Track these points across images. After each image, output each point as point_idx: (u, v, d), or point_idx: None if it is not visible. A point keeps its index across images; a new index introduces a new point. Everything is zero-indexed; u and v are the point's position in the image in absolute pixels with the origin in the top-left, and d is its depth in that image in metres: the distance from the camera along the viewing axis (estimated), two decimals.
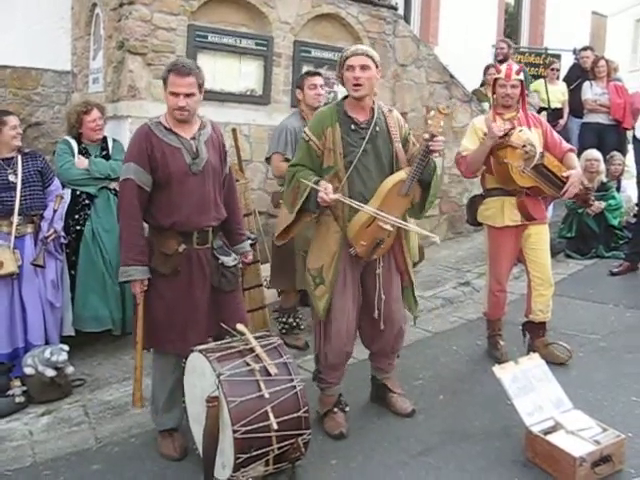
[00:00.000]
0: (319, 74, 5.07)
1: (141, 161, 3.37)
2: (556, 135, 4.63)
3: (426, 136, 3.40)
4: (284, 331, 5.12)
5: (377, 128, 3.56)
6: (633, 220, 7.64)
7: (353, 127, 3.54)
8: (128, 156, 3.46)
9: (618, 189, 7.89)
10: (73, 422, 4.01)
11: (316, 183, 3.40)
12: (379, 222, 3.43)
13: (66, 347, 4.33)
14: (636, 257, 6.60)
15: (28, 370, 4.19)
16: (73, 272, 4.81)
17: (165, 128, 3.44)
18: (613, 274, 6.59)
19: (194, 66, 3.45)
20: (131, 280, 3.36)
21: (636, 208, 8.27)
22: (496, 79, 4.47)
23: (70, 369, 4.32)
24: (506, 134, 4.29)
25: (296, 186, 3.50)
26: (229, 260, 3.64)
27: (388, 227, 3.45)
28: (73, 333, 4.75)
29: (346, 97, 3.65)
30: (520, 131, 4.30)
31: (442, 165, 7.34)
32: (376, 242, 3.50)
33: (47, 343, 4.43)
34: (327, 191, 3.33)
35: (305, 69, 5.84)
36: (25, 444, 3.78)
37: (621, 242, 7.24)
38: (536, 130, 4.49)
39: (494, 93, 4.54)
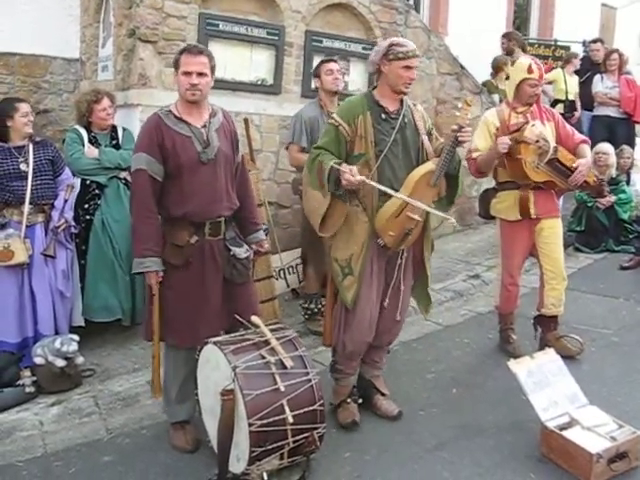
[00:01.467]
0: (334, 60, 5.05)
1: (152, 151, 3.33)
2: (568, 127, 4.58)
3: (455, 127, 3.43)
4: (307, 317, 5.17)
5: (406, 119, 3.59)
6: None
7: (384, 116, 3.54)
8: (139, 146, 3.42)
9: (628, 182, 7.84)
10: (83, 413, 3.99)
11: (338, 165, 3.38)
12: (408, 212, 3.42)
13: (76, 337, 4.31)
14: None
15: (38, 360, 4.17)
16: (83, 262, 4.78)
17: (175, 117, 3.40)
18: (623, 268, 6.55)
19: (206, 49, 3.44)
20: (147, 271, 3.33)
21: None
22: (526, 78, 4.31)
23: (80, 359, 4.30)
24: (518, 129, 4.25)
25: (319, 168, 3.46)
26: (241, 252, 3.60)
27: (417, 217, 3.44)
28: (83, 323, 4.74)
29: (375, 87, 3.66)
30: (532, 125, 4.25)
31: None
32: (405, 232, 3.48)
33: (57, 333, 4.41)
34: (352, 172, 3.31)
35: (316, 59, 5.78)
36: (35, 434, 3.77)
37: (631, 236, 7.18)
38: (549, 123, 4.45)
39: (517, 90, 4.40)
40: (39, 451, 3.61)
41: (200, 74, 3.33)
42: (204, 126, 3.43)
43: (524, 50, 8.70)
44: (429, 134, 3.71)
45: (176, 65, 3.37)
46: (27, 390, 4.11)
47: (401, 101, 3.63)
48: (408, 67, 3.49)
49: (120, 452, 3.57)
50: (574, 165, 4.30)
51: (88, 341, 4.68)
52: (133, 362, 4.63)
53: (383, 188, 3.39)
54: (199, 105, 3.43)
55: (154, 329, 3.40)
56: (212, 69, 3.41)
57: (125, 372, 4.50)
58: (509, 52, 8.44)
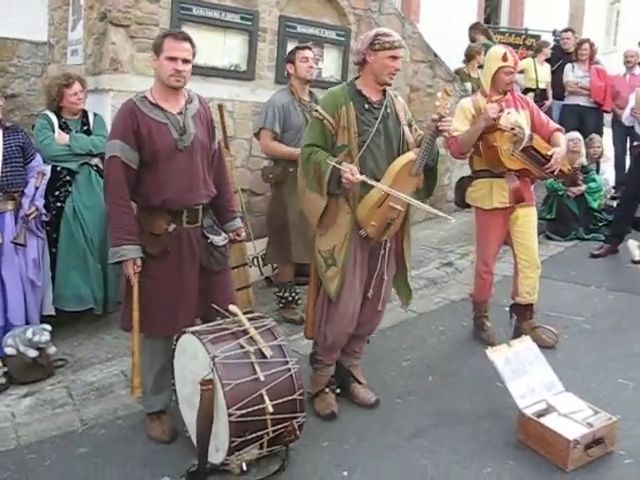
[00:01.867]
0: (309, 47, 5.00)
1: (127, 138, 3.26)
2: (543, 115, 4.62)
3: (435, 117, 3.43)
4: (281, 305, 5.17)
5: (388, 109, 3.58)
6: (611, 202, 7.74)
7: (367, 106, 3.53)
8: (113, 133, 3.34)
9: (597, 171, 7.94)
10: (57, 404, 3.92)
11: (338, 164, 3.38)
12: (390, 202, 3.41)
13: (48, 327, 4.23)
14: (616, 239, 6.65)
15: (9, 350, 4.09)
16: (54, 250, 4.69)
17: (151, 103, 3.33)
18: (594, 256, 6.63)
19: (189, 35, 3.37)
20: (123, 260, 3.25)
21: (612, 191, 8.38)
22: (502, 67, 4.32)
23: (52, 349, 4.22)
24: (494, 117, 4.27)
25: (317, 168, 3.43)
26: (219, 239, 3.56)
27: (399, 207, 3.43)
28: (54, 312, 4.64)
29: (357, 78, 3.64)
30: (508, 113, 4.27)
31: None
32: (387, 222, 3.48)
33: (27, 323, 4.32)
34: (353, 171, 3.32)
35: (290, 45, 5.73)
36: (8, 426, 3.69)
37: (600, 224, 7.28)
38: (523, 112, 4.47)
39: (494, 79, 4.41)
40: (12, 444, 3.53)
41: (185, 60, 3.28)
42: (180, 113, 3.37)
43: (489, 39, 8.81)
44: (409, 125, 3.70)
45: (158, 49, 3.28)
46: None
47: (384, 92, 3.62)
48: (394, 57, 3.48)
49: (96, 443, 3.51)
50: (549, 153, 4.33)
51: (59, 330, 4.58)
52: (106, 352, 4.57)
53: (378, 185, 3.38)
54: (176, 91, 3.36)
55: (133, 322, 3.33)
56: (193, 56, 3.36)
57: (98, 362, 4.43)
58: (472, 40, 8.56)
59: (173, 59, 3.24)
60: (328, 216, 3.53)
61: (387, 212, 3.45)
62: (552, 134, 4.49)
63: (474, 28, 8.98)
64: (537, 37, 9.98)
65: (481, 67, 8.11)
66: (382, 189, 3.39)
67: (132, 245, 3.26)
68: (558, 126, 4.62)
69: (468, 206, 4.76)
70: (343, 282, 3.54)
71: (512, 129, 4.21)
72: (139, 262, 3.29)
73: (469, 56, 8.31)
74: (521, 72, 8.67)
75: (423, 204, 3.55)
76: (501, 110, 4.29)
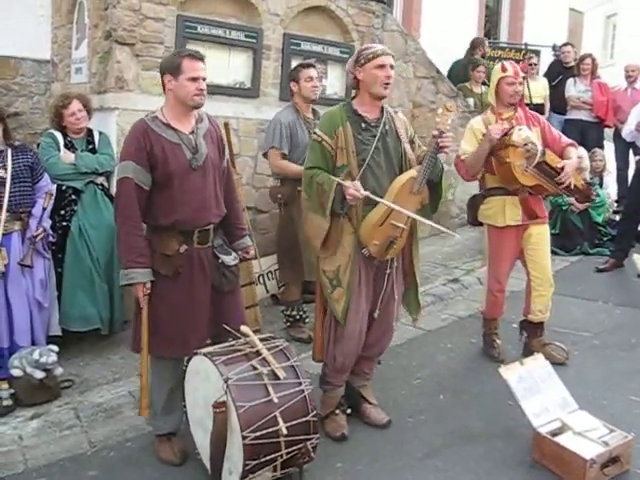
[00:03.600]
0: (314, 66, 4.99)
1: (140, 159, 3.24)
2: (555, 131, 4.60)
3: (435, 132, 3.40)
4: (288, 324, 5.13)
5: (386, 127, 3.55)
6: (614, 217, 7.73)
7: (364, 125, 3.50)
8: (125, 154, 3.31)
9: (600, 185, 7.94)
10: (64, 425, 3.87)
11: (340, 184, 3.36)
12: (392, 220, 3.39)
13: (55, 348, 4.20)
14: (621, 254, 6.64)
15: (16, 372, 4.05)
16: (59, 269, 4.66)
17: (163, 123, 3.32)
18: (599, 270, 6.62)
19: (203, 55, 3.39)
20: (134, 283, 3.23)
21: (615, 205, 8.39)
22: (503, 77, 4.39)
23: (59, 370, 4.18)
24: (505, 134, 4.26)
25: (320, 190, 3.42)
26: (229, 259, 3.54)
27: (401, 225, 3.40)
28: (60, 333, 4.60)
29: (354, 97, 3.63)
30: (520, 130, 4.27)
31: None
32: (389, 241, 3.45)
33: (33, 344, 4.28)
34: (357, 187, 3.30)
35: (294, 62, 5.73)
36: (15, 449, 3.64)
37: (605, 239, 7.28)
38: (534, 129, 4.46)
39: (498, 92, 4.45)
40: (20, 467, 3.48)
41: (204, 79, 3.30)
42: (192, 132, 3.36)
43: (483, 56, 8.90)
44: (411, 142, 3.67)
45: (175, 70, 3.26)
46: (4, 403, 3.99)
47: (382, 109, 3.59)
48: (381, 65, 3.43)
49: (105, 466, 3.47)
50: (559, 166, 4.31)
51: (65, 351, 4.53)
52: (113, 372, 4.53)
53: (383, 201, 3.36)
54: (190, 111, 3.36)
55: (142, 345, 3.30)
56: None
57: (105, 382, 4.39)
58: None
59: (195, 79, 3.25)
60: (331, 238, 3.51)
61: (389, 230, 3.43)
62: (565, 149, 4.47)
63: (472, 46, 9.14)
64: (537, 52, 10.01)
65: (484, 84, 8.18)
66: (386, 204, 3.37)
67: (143, 268, 3.24)
68: (571, 141, 4.59)
69: (480, 224, 4.73)
70: (349, 303, 3.52)
71: (525, 145, 4.20)
72: (149, 285, 3.27)
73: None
74: None
75: (427, 220, 3.51)
76: (512, 127, 4.29)
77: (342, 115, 3.51)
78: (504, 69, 4.41)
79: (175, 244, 3.31)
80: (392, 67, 3.47)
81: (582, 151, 7.14)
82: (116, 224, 3.37)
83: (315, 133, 3.57)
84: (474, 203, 4.70)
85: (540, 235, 4.54)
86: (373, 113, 3.55)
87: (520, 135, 4.21)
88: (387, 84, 3.46)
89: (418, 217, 3.46)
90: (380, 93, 3.49)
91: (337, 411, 3.76)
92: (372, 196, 3.36)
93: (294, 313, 5.09)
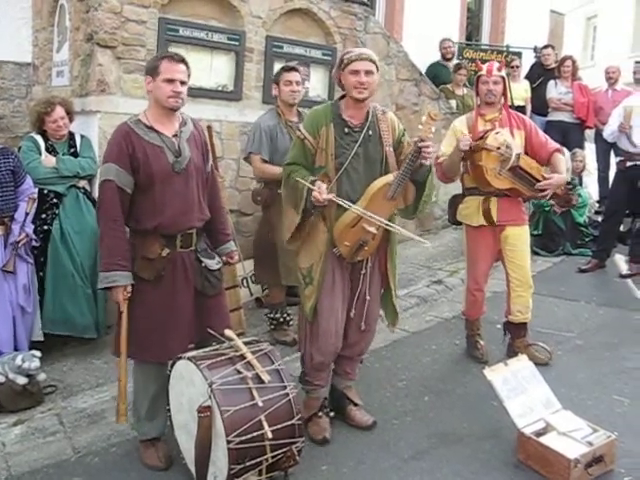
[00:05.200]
0: (296, 69, 4.96)
1: (122, 162, 3.22)
2: (542, 134, 4.59)
3: (415, 139, 3.38)
4: (272, 327, 5.11)
5: (370, 132, 3.53)
6: (595, 217, 7.80)
7: (346, 130, 3.50)
8: (108, 156, 3.29)
9: (580, 185, 8.00)
10: (48, 432, 3.82)
11: (312, 183, 3.37)
12: (363, 224, 3.40)
13: (38, 353, 4.14)
14: (604, 254, 6.70)
15: None
16: (41, 273, 4.62)
17: (146, 126, 3.30)
18: (582, 271, 6.67)
19: (184, 58, 3.37)
20: (113, 286, 3.20)
21: (597, 205, 8.46)
22: (478, 76, 4.46)
23: (42, 376, 4.13)
24: (481, 137, 4.28)
25: (294, 186, 3.45)
26: (213, 263, 3.53)
27: (372, 229, 3.41)
28: (42, 338, 4.55)
29: (342, 97, 3.62)
30: (497, 133, 4.28)
31: None
32: (359, 243, 3.46)
33: (16, 349, 4.24)
34: (320, 190, 3.30)
35: (277, 65, 5.72)
36: None
37: (587, 239, 7.34)
38: (518, 132, 4.47)
39: (477, 92, 4.52)
40: (3, 474, 3.44)
41: (182, 82, 3.27)
42: (175, 135, 3.34)
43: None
44: (399, 142, 3.64)
45: (153, 72, 3.25)
46: None
47: (367, 113, 3.57)
48: (355, 71, 3.42)
49: (90, 472, 3.44)
50: (546, 176, 4.33)
51: (48, 356, 4.49)
52: (96, 377, 4.48)
53: (347, 204, 3.37)
54: (172, 114, 3.34)
55: (121, 350, 3.28)
56: (188, 77, 3.35)
57: (88, 387, 4.34)
58: (452, 56, 9.09)
59: (171, 81, 3.23)
60: (301, 233, 3.56)
61: (360, 233, 3.43)
62: (552, 155, 4.46)
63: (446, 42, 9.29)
64: (518, 54, 10.07)
65: (466, 86, 8.22)
66: (352, 209, 3.38)
67: (124, 271, 3.22)
68: (558, 146, 4.58)
69: (460, 223, 4.76)
70: (320, 301, 3.53)
71: (498, 148, 4.21)
72: (129, 289, 3.25)
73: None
74: None
75: (395, 226, 3.51)
76: (492, 129, 4.31)
77: (327, 115, 3.52)
78: (479, 68, 4.53)
79: (157, 248, 3.29)
80: (369, 72, 3.42)
81: (565, 153, 7.20)
82: (98, 226, 3.35)
83: (299, 130, 3.58)
84: (454, 202, 4.74)
85: (517, 236, 4.55)
86: (357, 118, 3.54)
87: (497, 139, 4.23)
88: (361, 89, 3.43)
89: (386, 222, 3.43)
90: (355, 97, 3.48)
91: (320, 413, 3.75)
92: (338, 200, 3.36)
93: (277, 316, 5.07)
